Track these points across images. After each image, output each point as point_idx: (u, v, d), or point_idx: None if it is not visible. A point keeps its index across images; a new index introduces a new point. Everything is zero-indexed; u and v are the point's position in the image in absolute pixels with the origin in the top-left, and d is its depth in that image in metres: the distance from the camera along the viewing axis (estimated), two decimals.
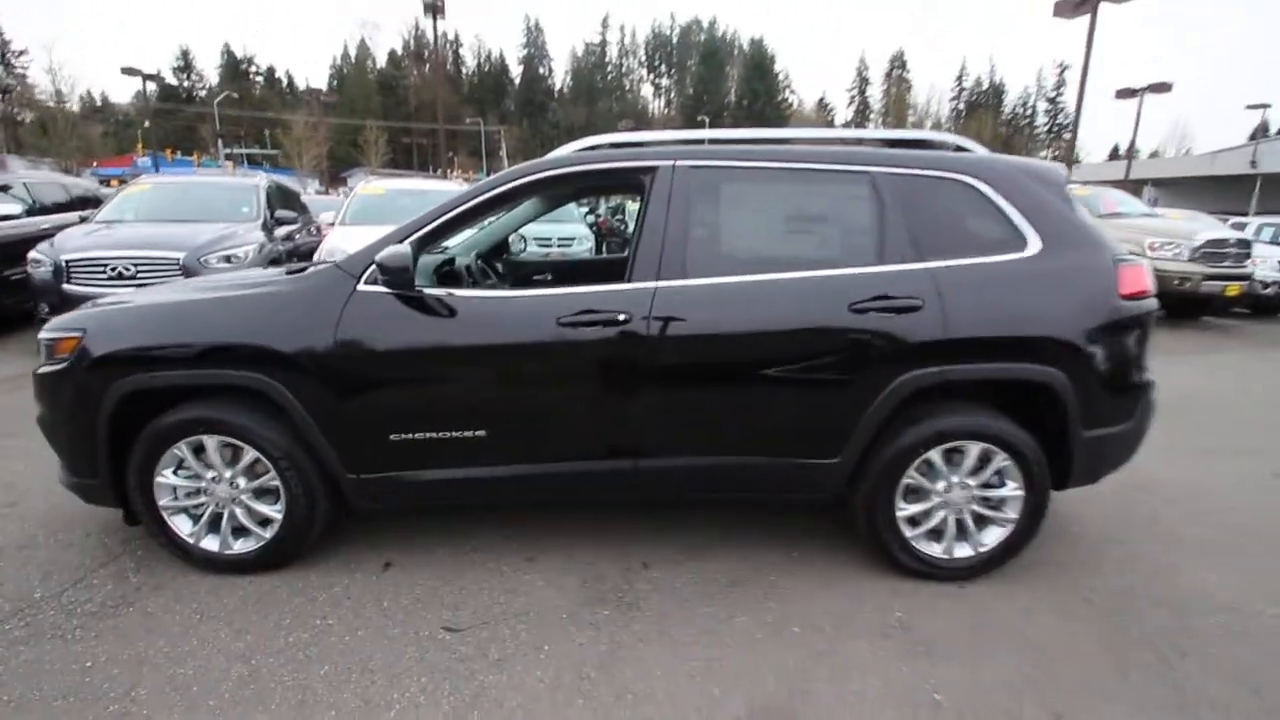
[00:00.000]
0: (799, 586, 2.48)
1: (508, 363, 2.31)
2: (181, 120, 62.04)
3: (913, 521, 2.48)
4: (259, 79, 76.92)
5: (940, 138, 2.61)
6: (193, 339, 2.28)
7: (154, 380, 2.29)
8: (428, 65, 72.97)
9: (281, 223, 7.56)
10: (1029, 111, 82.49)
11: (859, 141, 2.65)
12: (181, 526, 2.46)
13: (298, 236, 8.13)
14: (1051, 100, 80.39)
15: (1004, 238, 2.40)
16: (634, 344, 2.27)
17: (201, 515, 2.46)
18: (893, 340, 2.28)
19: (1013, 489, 2.44)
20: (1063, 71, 79.02)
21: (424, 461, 2.37)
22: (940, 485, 2.45)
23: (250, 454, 2.37)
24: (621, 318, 2.26)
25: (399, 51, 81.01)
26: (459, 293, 2.35)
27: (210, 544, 2.47)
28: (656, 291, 2.29)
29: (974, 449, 2.40)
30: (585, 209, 16.83)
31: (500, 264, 3.80)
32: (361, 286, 2.30)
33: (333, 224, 7.93)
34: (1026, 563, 2.60)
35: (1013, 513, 2.47)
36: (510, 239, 3.98)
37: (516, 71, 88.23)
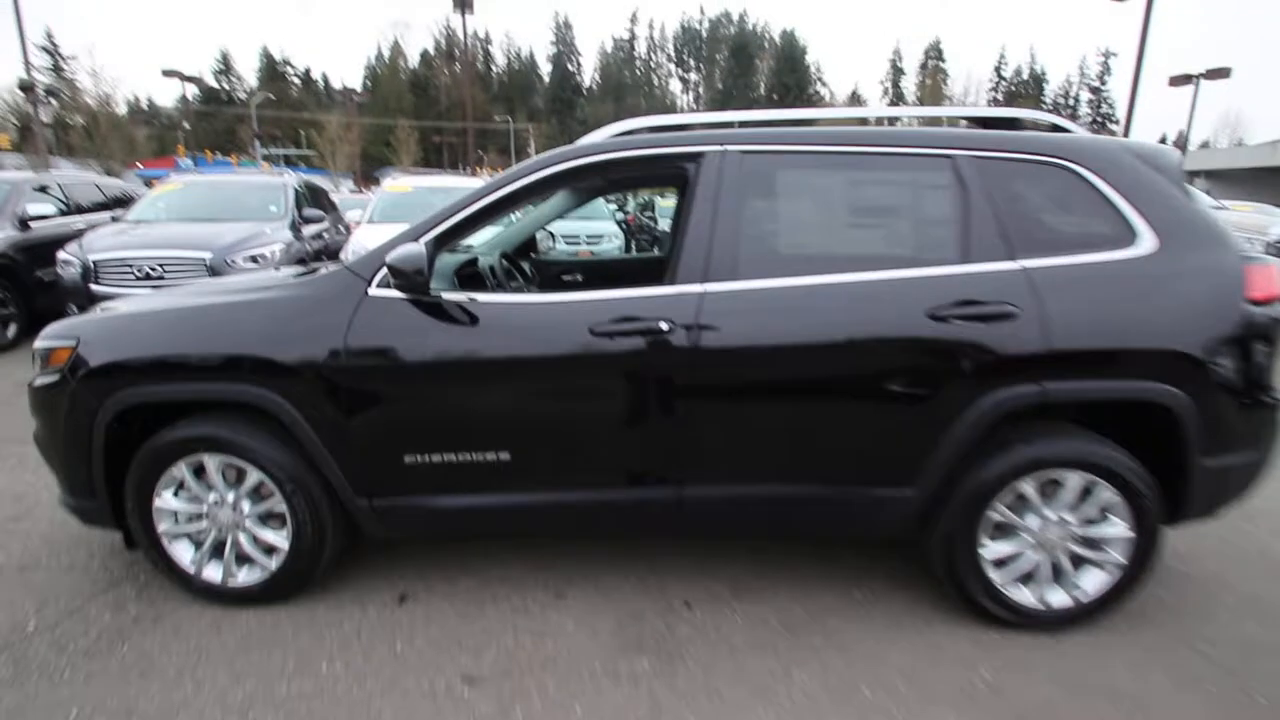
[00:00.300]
0: (864, 635, 2.17)
1: (534, 377, 2.04)
2: (222, 122, 63.69)
3: (999, 563, 2.15)
4: (296, 81, 78.55)
5: (1032, 115, 2.26)
6: (187, 350, 2.07)
7: (148, 394, 2.09)
8: (458, 64, 73.62)
9: (309, 221, 7.46)
10: (1072, 101, 79.48)
11: (936, 121, 2.31)
12: (182, 554, 2.26)
13: (326, 235, 8.03)
14: (1095, 90, 77.36)
15: (1112, 232, 2.05)
16: (677, 356, 1.98)
17: (203, 541, 2.25)
18: (982, 353, 1.95)
19: (1119, 527, 2.09)
20: (1107, 60, 76.07)
21: (441, 486, 2.12)
22: (1032, 522, 2.11)
23: (255, 475, 2.15)
24: (663, 326, 1.97)
25: (430, 51, 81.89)
26: (481, 298, 2.09)
27: (212, 573, 2.26)
28: (704, 296, 1.99)
29: (1074, 480, 2.05)
30: (613, 205, 16.58)
31: (527, 264, 3.55)
32: (373, 290, 2.06)
33: (359, 223, 7.81)
34: (1127, 607, 2.24)
35: (1118, 555, 2.12)
36: (538, 236, 3.73)
37: (546, 69, 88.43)
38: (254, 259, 6.16)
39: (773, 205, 2.08)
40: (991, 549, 2.13)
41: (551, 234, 4.11)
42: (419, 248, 1.91)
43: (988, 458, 2.04)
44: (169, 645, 2.08)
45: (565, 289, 3.50)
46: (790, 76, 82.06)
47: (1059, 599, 2.16)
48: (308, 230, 7.36)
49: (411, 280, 1.92)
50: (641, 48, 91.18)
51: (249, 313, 2.09)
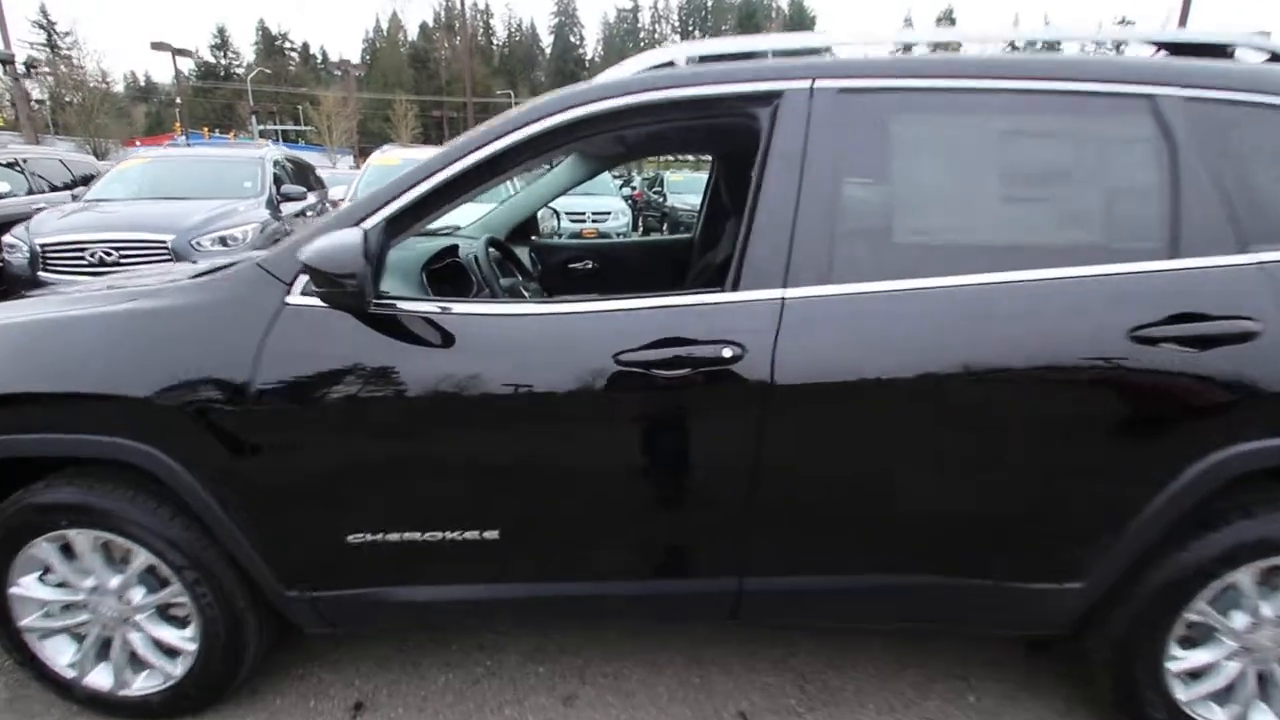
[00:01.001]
0: None
1: (534, 424, 1.41)
2: (220, 98, 62.62)
3: (1187, 675, 1.53)
4: (293, 55, 77.03)
5: (1243, 40, 1.57)
6: (33, 384, 1.44)
7: None
8: (458, 37, 71.90)
9: (290, 199, 6.81)
10: None
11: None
12: (57, 654, 1.66)
13: (311, 214, 7.37)
14: None
15: None
16: (745, 395, 1.34)
17: (85, 637, 1.65)
18: (1208, 390, 1.31)
19: None
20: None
21: (403, 575, 1.51)
22: (1239, 621, 1.48)
23: (144, 556, 1.54)
24: (726, 353, 1.33)
25: (430, 24, 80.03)
26: (458, 307, 1.45)
27: (100, 679, 1.66)
28: (784, 307, 1.34)
29: None
30: (619, 181, 15.75)
31: (528, 248, 2.90)
32: (294, 298, 1.41)
33: (343, 199, 7.14)
34: None
35: None
36: (539, 215, 3.07)
37: (548, 41, 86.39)
38: (223, 241, 5.52)
39: (887, 170, 1.41)
40: (1181, 658, 1.51)
41: (556, 212, 3.43)
42: (352, 237, 1.26)
43: (1193, 538, 1.41)
44: None
45: (575, 289, 2.85)
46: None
47: None
48: (288, 208, 6.71)
49: (339, 286, 1.27)
50: (645, 18, 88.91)
51: (116, 330, 1.45)
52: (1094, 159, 1.42)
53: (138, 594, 1.59)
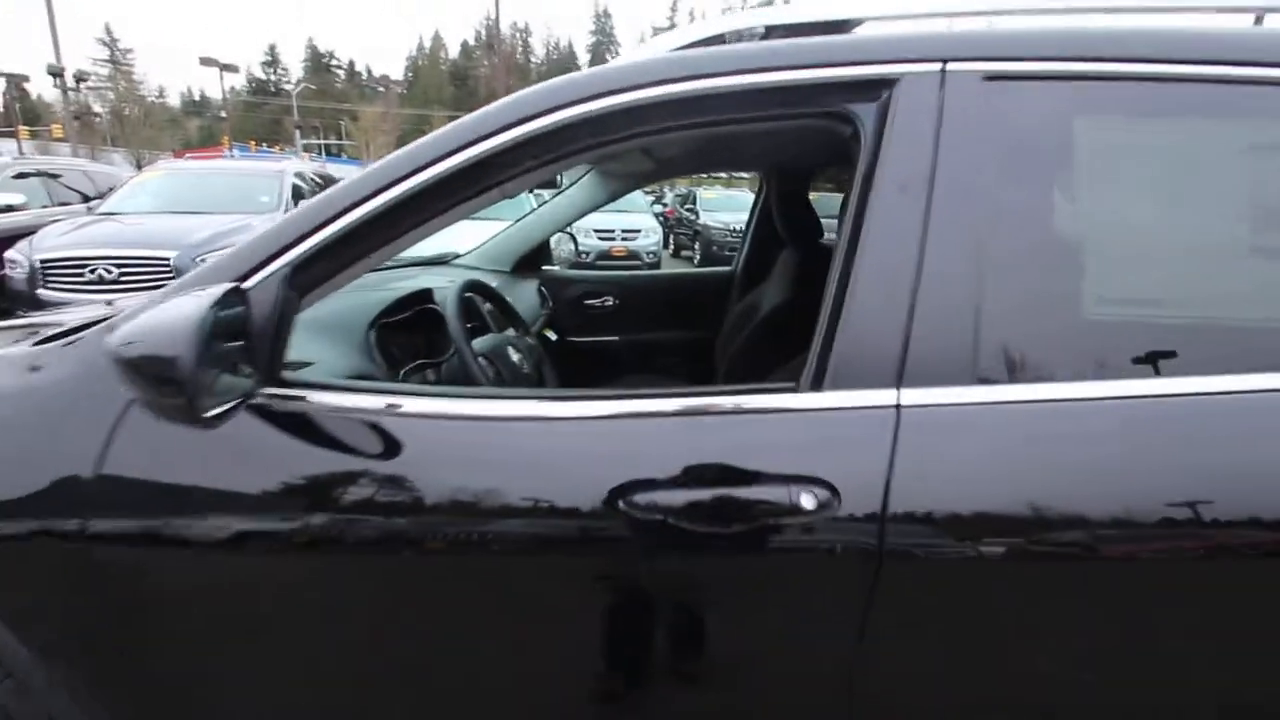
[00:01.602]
0: None
1: (502, 593, 0.92)
2: (269, 113, 65.01)
3: None
4: (339, 71, 79.76)
5: None
6: None
7: None
8: (497, 55, 73.56)
9: None
10: None
11: None
12: None
13: None
14: None
15: None
16: (839, 566, 0.83)
17: None
18: None
19: None
20: None
21: None
22: None
23: None
24: (806, 500, 0.81)
25: (471, 42, 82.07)
26: (411, 404, 0.97)
27: None
28: (901, 420, 0.83)
29: None
30: (650, 197, 15.34)
31: (537, 280, 2.44)
32: None
33: None
34: None
35: None
36: (552, 241, 2.61)
37: (585, 60, 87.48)
38: None
39: (1070, 200, 0.89)
40: None
41: (572, 236, 2.97)
42: (179, 311, 0.77)
43: None
44: None
45: (590, 331, 2.39)
46: None
47: None
48: None
49: (160, 390, 0.80)
50: None
51: None
52: None
53: None
